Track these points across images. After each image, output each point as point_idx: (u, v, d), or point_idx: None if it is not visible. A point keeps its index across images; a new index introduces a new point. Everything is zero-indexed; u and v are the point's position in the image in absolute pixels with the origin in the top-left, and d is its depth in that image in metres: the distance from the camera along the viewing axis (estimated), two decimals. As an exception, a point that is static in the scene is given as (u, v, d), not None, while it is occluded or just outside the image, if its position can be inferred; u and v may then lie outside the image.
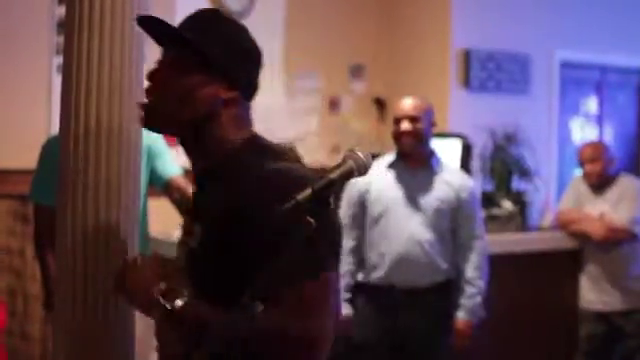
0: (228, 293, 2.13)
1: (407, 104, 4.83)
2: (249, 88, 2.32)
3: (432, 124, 4.86)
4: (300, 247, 2.01)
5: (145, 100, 2.31)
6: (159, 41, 2.34)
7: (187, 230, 2.32)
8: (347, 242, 4.91)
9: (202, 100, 2.24)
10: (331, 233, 2.15)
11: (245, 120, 2.31)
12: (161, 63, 2.30)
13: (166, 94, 2.25)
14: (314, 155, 7.53)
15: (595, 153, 6.19)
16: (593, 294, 6.09)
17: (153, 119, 2.29)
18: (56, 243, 2.85)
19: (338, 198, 4.94)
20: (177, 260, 2.31)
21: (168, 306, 2.11)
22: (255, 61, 2.35)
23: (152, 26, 2.31)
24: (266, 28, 7.58)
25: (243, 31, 2.34)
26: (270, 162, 2.20)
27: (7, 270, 5.96)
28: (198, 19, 2.30)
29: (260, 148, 2.27)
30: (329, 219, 2.13)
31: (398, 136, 4.83)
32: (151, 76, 2.29)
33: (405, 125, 4.78)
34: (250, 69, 2.33)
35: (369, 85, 8.11)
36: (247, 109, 2.33)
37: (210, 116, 2.25)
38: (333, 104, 7.98)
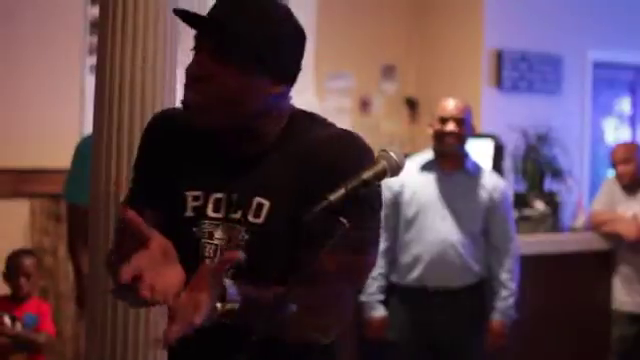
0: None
1: (454, 105, 4.81)
2: (295, 76, 2.22)
3: (471, 128, 4.86)
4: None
5: (189, 96, 2.13)
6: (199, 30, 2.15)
7: (235, 207, 2.16)
8: (378, 245, 4.90)
9: (253, 99, 2.12)
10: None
11: (290, 106, 2.25)
12: (204, 57, 2.11)
13: (216, 95, 2.10)
14: (345, 155, 7.52)
15: (628, 154, 6.15)
16: (626, 295, 6.05)
17: (201, 118, 2.14)
18: (89, 242, 2.87)
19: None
20: (227, 240, 2.16)
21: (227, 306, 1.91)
22: (302, 47, 2.22)
23: (191, 18, 2.13)
24: (297, 28, 7.59)
25: (286, 17, 2.20)
26: (328, 127, 2.22)
27: (39, 269, 5.99)
28: (237, 10, 2.12)
29: (309, 117, 2.25)
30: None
31: (442, 136, 4.81)
32: (195, 70, 2.12)
33: (451, 126, 4.77)
34: (296, 58, 2.20)
35: (400, 85, 8.09)
36: (289, 92, 2.23)
37: (261, 113, 2.15)
38: (364, 104, 7.97)
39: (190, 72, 2.12)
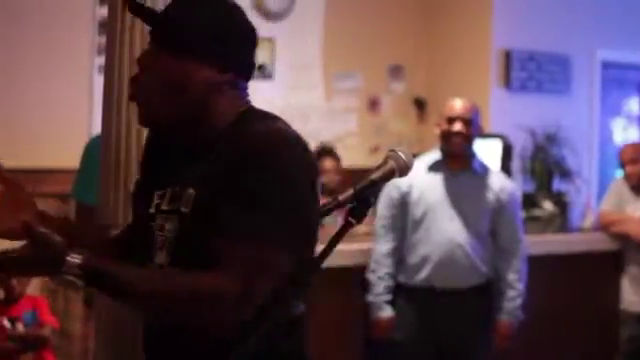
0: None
1: (461, 105, 4.81)
2: (244, 67, 2.27)
3: (479, 128, 4.86)
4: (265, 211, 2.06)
5: (135, 89, 2.27)
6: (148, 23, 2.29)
7: (176, 199, 2.25)
8: (386, 244, 4.90)
9: (196, 88, 2.19)
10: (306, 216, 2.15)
11: (242, 99, 2.28)
12: (149, 51, 2.24)
13: (157, 86, 2.20)
14: (353, 155, 7.53)
15: (636, 154, 6.13)
16: (634, 295, 6.04)
17: (151, 116, 2.25)
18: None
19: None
20: (160, 230, 2.27)
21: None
22: (247, 39, 2.27)
23: (140, 13, 2.27)
24: (306, 29, 7.59)
25: (232, 9, 2.26)
26: (263, 124, 2.20)
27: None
28: (182, 2, 2.25)
29: (255, 116, 2.26)
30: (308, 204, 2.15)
31: (449, 136, 4.80)
32: (140, 60, 2.24)
33: (458, 126, 4.77)
34: (242, 48, 2.26)
35: (409, 85, 8.09)
36: (244, 89, 2.29)
37: (206, 102, 2.21)
38: (373, 104, 7.97)
39: (138, 63, 2.23)
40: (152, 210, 2.29)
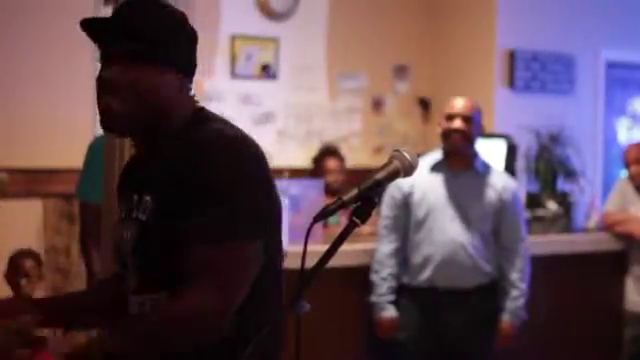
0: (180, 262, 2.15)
1: (461, 103, 4.81)
2: (190, 67, 2.33)
3: (480, 127, 4.84)
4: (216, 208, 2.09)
5: (102, 103, 2.29)
6: (100, 40, 2.36)
7: (131, 206, 2.29)
8: (388, 245, 4.90)
9: (160, 91, 2.24)
10: (259, 203, 2.18)
11: (190, 97, 2.33)
12: (109, 62, 2.29)
13: (125, 94, 2.24)
14: (357, 155, 7.52)
15: (641, 154, 6.14)
16: (638, 296, 6.03)
17: (117, 123, 2.28)
18: (101, 240, 2.88)
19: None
20: (121, 240, 2.30)
21: None
22: (192, 39, 2.33)
23: (94, 26, 2.34)
24: (310, 29, 7.59)
25: (174, 12, 2.31)
26: (210, 130, 2.23)
27: (53, 269, 6.00)
28: (133, 9, 2.29)
29: (204, 120, 2.28)
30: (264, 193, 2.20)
31: (448, 133, 4.80)
32: (102, 77, 2.30)
33: (457, 123, 4.76)
34: (189, 48, 2.32)
35: (413, 85, 8.09)
36: (190, 88, 2.34)
37: (169, 104, 2.26)
38: (377, 104, 7.96)
39: (97, 83, 2.31)
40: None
